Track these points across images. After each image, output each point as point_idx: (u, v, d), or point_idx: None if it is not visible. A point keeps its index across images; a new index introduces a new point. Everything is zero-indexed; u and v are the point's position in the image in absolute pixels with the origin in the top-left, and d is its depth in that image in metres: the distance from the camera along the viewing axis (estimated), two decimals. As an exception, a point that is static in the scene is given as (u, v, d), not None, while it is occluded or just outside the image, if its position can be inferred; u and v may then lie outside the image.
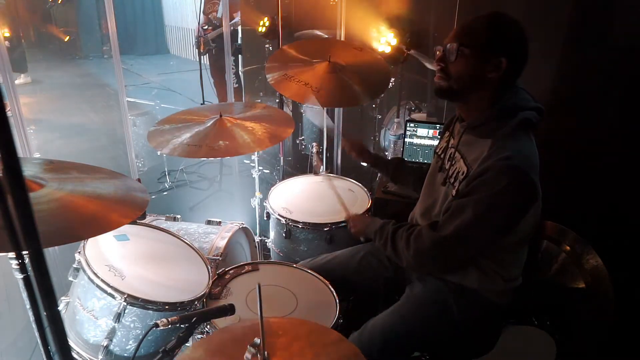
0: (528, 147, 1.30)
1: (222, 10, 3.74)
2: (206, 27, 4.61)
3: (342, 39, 2.84)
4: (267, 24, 3.86)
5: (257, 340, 0.97)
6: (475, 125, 1.37)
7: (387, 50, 2.86)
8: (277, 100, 2.68)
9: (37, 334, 0.93)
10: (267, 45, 4.23)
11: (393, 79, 3.03)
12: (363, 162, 1.94)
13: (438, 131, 2.34)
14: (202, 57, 4.26)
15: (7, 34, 5.85)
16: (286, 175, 2.59)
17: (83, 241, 1.48)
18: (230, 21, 3.37)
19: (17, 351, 2.14)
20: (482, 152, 1.31)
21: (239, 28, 4.70)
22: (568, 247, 1.71)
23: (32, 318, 0.94)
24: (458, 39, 1.32)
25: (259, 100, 4.36)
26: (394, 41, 2.84)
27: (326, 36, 3.45)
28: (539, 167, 1.30)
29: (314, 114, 3.01)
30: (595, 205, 1.87)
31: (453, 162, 1.43)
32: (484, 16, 1.32)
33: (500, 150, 1.26)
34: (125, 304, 1.35)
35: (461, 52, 1.31)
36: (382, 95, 3.44)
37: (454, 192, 1.36)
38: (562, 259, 1.73)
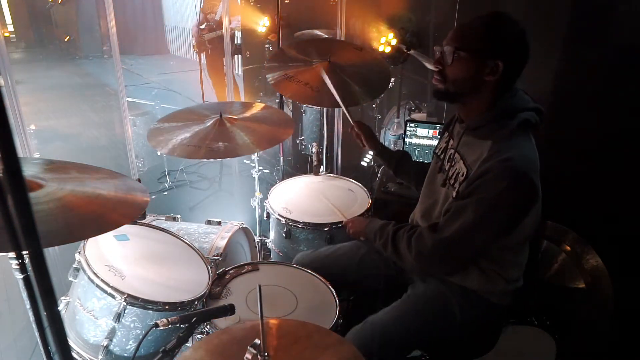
0: (528, 148, 1.30)
1: (220, 11, 3.74)
2: (203, 27, 4.60)
3: (342, 39, 2.84)
4: (267, 24, 3.86)
5: (257, 341, 0.97)
6: (474, 126, 1.37)
7: (387, 50, 2.86)
8: (277, 100, 2.68)
9: (37, 334, 0.93)
10: (267, 45, 4.23)
11: (393, 79, 3.03)
12: (369, 148, 1.91)
13: (438, 131, 2.34)
14: (200, 56, 4.26)
15: (7, 34, 5.85)
16: (286, 175, 2.59)
17: (83, 241, 1.48)
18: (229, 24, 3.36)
19: (17, 351, 2.14)
20: (481, 153, 1.30)
21: (238, 32, 4.70)
22: (568, 247, 1.71)
23: (32, 318, 0.94)
24: (454, 42, 1.30)
25: (259, 100, 4.36)
26: (394, 41, 2.84)
27: (326, 36, 3.45)
28: (539, 167, 1.30)
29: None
30: (595, 205, 1.87)
31: (453, 163, 1.43)
32: (482, 17, 1.30)
33: (500, 152, 1.26)
34: (125, 304, 1.35)
35: (457, 55, 1.29)
36: (382, 95, 3.44)
37: (454, 193, 1.36)
38: (562, 259, 1.73)
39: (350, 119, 1.94)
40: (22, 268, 1.05)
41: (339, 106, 2.01)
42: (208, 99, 4.29)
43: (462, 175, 1.35)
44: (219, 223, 2.09)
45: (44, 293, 0.57)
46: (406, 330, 1.45)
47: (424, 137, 2.38)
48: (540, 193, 1.30)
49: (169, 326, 1.15)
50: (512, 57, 1.28)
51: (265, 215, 2.11)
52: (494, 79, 1.29)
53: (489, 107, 1.34)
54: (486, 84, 1.30)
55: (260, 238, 2.30)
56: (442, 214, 1.39)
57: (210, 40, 4.52)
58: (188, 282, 1.53)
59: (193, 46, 4.36)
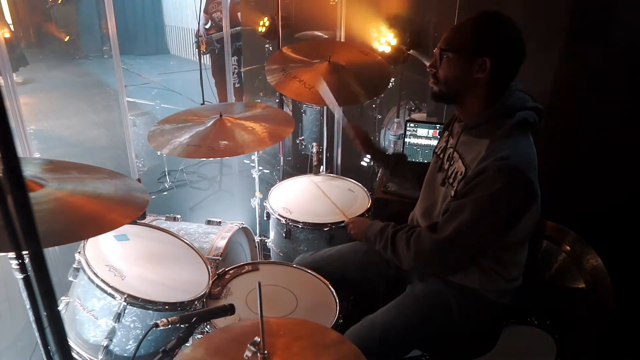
0: (526, 146, 1.30)
1: (224, 12, 3.74)
2: (208, 26, 4.59)
3: (342, 39, 2.84)
4: (267, 24, 3.86)
5: (257, 339, 0.97)
6: (472, 125, 1.38)
7: (387, 50, 2.86)
8: (277, 100, 2.68)
9: (37, 334, 0.93)
10: (267, 45, 4.23)
11: (393, 79, 3.03)
12: (365, 152, 1.91)
13: (438, 131, 2.34)
14: (203, 56, 4.25)
15: (8, 35, 5.85)
16: (286, 175, 2.59)
17: (83, 241, 1.48)
18: (232, 27, 3.36)
19: (17, 351, 2.14)
20: (479, 152, 1.31)
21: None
22: (568, 247, 1.71)
23: (32, 318, 0.94)
24: (443, 44, 1.35)
25: (259, 100, 4.35)
26: (394, 41, 2.84)
27: (326, 37, 3.45)
28: (538, 167, 1.30)
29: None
30: (595, 205, 1.87)
31: (452, 163, 1.43)
32: (470, 18, 1.33)
33: (497, 151, 1.26)
34: (125, 304, 1.35)
35: (446, 57, 1.34)
36: (382, 95, 3.44)
37: (452, 192, 1.36)
38: (562, 259, 1.73)
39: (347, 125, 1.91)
40: (22, 268, 1.04)
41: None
42: (208, 99, 4.28)
43: (461, 174, 1.35)
44: (219, 223, 2.09)
45: (44, 293, 0.57)
46: (405, 329, 1.45)
47: (423, 137, 2.38)
48: (539, 192, 1.30)
49: (169, 326, 1.15)
50: (501, 54, 1.29)
51: (265, 215, 2.11)
52: (484, 76, 1.30)
53: (486, 106, 1.34)
54: (477, 82, 1.32)
55: (260, 238, 2.30)
56: (441, 213, 1.39)
57: (219, 39, 4.51)
58: (188, 282, 1.53)
59: (199, 47, 4.33)
